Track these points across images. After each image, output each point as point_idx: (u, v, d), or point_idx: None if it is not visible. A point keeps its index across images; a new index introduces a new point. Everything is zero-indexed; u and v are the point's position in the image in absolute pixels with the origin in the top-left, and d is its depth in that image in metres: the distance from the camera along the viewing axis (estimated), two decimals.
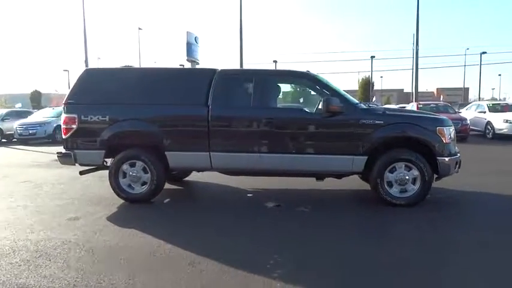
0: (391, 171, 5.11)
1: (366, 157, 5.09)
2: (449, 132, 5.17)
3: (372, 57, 43.24)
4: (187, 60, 32.31)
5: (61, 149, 5.62)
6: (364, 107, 5.45)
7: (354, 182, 6.22)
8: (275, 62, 42.52)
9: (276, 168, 5.34)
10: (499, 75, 74.74)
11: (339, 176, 5.70)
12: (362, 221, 4.69)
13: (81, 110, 5.49)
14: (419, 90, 28.99)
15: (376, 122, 5.08)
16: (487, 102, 17.91)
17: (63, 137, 5.62)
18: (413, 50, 25.79)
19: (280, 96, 6.03)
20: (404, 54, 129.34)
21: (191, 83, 5.50)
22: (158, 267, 3.33)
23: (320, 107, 5.11)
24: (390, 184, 5.12)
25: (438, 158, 5.04)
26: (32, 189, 6.54)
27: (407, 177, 5.07)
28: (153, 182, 5.36)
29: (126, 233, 4.22)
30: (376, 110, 5.46)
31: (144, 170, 5.41)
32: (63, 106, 5.65)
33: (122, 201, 5.51)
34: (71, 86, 5.70)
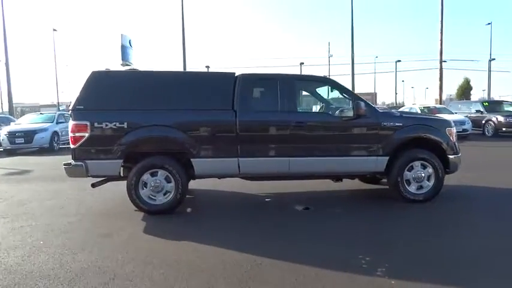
0: (409, 170, 5.49)
1: (388, 157, 5.40)
2: (455, 133, 5.72)
3: (301, 63, 45.16)
4: (122, 64, 30.91)
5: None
6: (382, 110, 5.79)
7: (353, 183, 6.62)
8: (207, 67, 42.31)
9: (304, 172, 5.40)
10: (402, 81, 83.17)
11: (353, 177, 6.00)
12: (400, 214, 4.97)
13: (94, 116, 5.01)
14: None
15: (396, 124, 5.43)
16: (419, 106, 19.86)
17: (72, 146, 5.07)
18: (352, 56, 27.43)
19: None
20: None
21: (213, 88, 5.33)
22: (262, 279, 3.19)
23: (344, 110, 5.34)
24: (408, 182, 5.49)
25: (449, 156, 5.55)
26: (17, 207, 5.76)
27: (423, 175, 5.48)
28: (178, 191, 5.09)
29: (188, 247, 3.93)
30: (393, 113, 5.81)
31: (167, 179, 5.11)
32: (70, 112, 5.09)
33: (138, 212, 5.14)
34: (79, 91, 5.16)
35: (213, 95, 5.25)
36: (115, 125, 5.00)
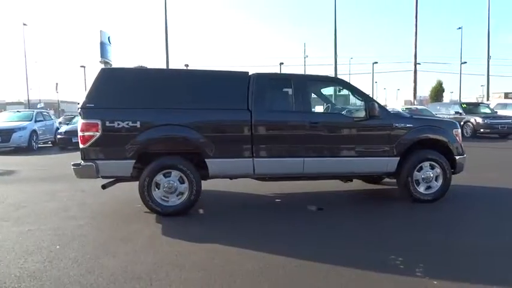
0: (418, 170, 5.59)
1: (398, 158, 5.48)
2: (460, 134, 5.87)
3: (281, 63, 45.27)
4: (101, 61, 29.91)
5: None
6: (392, 112, 5.87)
7: (358, 182, 6.69)
8: (186, 65, 41.69)
9: (318, 172, 5.40)
10: (376, 82, 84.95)
11: (362, 177, 6.07)
12: (413, 214, 5.06)
13: (105, 114, 4.83)
14: None
15: (407, 125, 5.52)
16: (401, 107, 20.37)
17: (81, 146, 4.86)
18: (335, 58, 27.71)
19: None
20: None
21: (227, 87, 5.24)
22: (306, 282, 3.14)
23: (357, 111, 5.39)
24: (417, 182, 5.59)
25: (455, 157, 5.69)
26: (16, 210, 5.47)
27: (431, 175, 5.59)
28: (192, 192, 4.97)
29: (215, 249, 3.83)
30: (403, 114, 5.90)
31: (180, 180, 4.98)
32: (79, 111, 4.88)
33: (147, 214, 4.99)
34: (88, 88, 4.95)
35: (227, 95, 5.17)
36: (127, 124, 4.84)
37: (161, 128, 4.92)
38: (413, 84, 30.48)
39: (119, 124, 4.82)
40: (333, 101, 6.14)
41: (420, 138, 5.55)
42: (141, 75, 5.33)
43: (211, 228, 4.58)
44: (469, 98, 51.38)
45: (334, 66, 26.99)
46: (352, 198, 6.20)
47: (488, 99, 23.89)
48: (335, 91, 5.97)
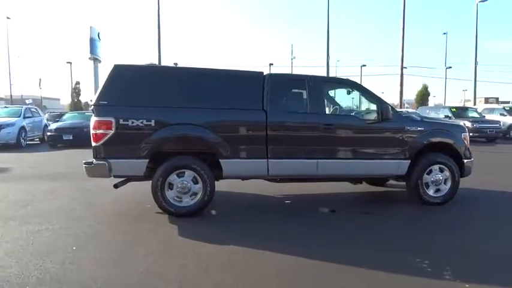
0: (428, 173, 5.64)
1: (409, 161, 5.52)
2: (468, 138, 5.95)
3: (271, 64, 45.38)
4: (90, 58, 29.37)
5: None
6: (404, 115, 5.91)
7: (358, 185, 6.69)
8: (175, 64, 41.32)
9: (332, 174, 5.39)
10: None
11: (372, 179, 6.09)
12: (424, 215, 5.07)
13: (119, 112, 4.71)
14: None
15: (419, 128, 5.56)
16: None
17: (94, 144, 4.73)
18: (327, 60, 27.80)
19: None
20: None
21: (243, 86, 5.19)
22: (337, 285, 3.12)
23: (371, 113, 5.40)
24: (427, 185, 5.64)
25: (464, 160, 5.76)
26: (20, 209, 5.30)
27: (441, 178, 5.65)
28: (206, 193, 4.90)
29: (237, 251, 3.78)
30: (415, 117, 5.95)
31: (194, 180, 4.90)
32: (92, 108, 4.76)
33: (158, 214, 4.89)
34: (101, 85, 4.82)
35: (243, 94, 5.11)
36: (142, 122, 4.73)
37: (176, 127, 4.83)
38: (399, 87, 30.94)
39: (133, 122, 4.71)
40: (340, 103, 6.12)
41: (432, 142, 5.60)
42: (154, 72, 5.23)
43: (226, 230, 4.51)
44: (450, 102, 52.43)
45: (326, 68, 27.16)
46: (362, 200, 6.22)
47: (475, 104, 24.43)
48: (347, 93, 5.92)
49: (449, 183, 5.66)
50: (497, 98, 50.37)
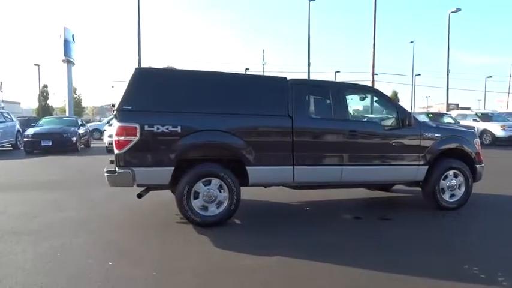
0: (444, 179, 5.73)
1: (427, 167, 5.59)
2: (479, 144, 6.11)
3: (246, 69, 45.37)
4: (64, 60, 28.05)
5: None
6: (422, 121, 5.98)
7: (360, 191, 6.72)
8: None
9: (355, 181, 5.37)
10: None
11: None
12: (444, 220, 5.14)
13: (144, 118, 4.49)
14: None
15: (436, 135, 5.65)
16: None
17: (117, 151, 4.47)
18: (308, 65, 27.89)
19: None
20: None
21: (268, 92, 5.07)
22: None
23: (392, 119, 5.45)
24: (443, 190, 5.73)
25: (476, 166, 5.91)
26: (28, 222, 4.92)
27: (455, 183, 5.76)
28: (233, 202, 4.74)
29: (276, 262, 3.64)
30: (431, 124, 6.04)
31: (220, 189, 4.74)
32: (115, 113, 4.50)
33: (183, 224, 4.71)
34: (124, 89, 4.57)
35: (269, 100, 5.00)
36: (167, 128, 4.53)
37: (204, 134, 4.66)
38: None
39: (158, 128, 4.50)
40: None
41: (449, 148, 5.70)
42: (178, 76, 5.01)
43: (258, 239, 4.34)
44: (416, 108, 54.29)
45: (307, 74, 27.42)
46: (377, 206, 6.20)
47: (447, 110, 25.44)
48: (361, 99, 5.94)
49: (463, 188, 5.77)
50: (457, 104, 52.58)
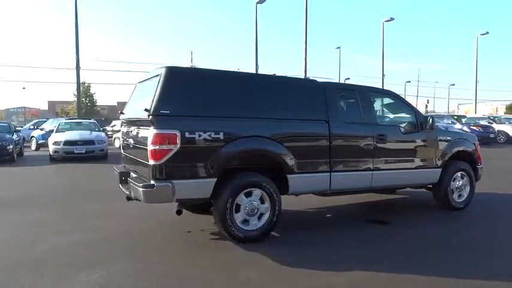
0: (453, 180, 5.96)
1: (441, 169, 5.77)
2: (479, 146, 6.47)
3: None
4: None
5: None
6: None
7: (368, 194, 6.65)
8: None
9: (383, 185, 5.33)
10: None
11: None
12: (468, 220, 5.32)
13: (184, 124, 3.96)
14: None
15: (447, 138, 5.86)
16: None
17: (153, 162, 3.86)
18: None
19: None
20: None
21: (306, 96, 4.80)
22: None
23: (412, 124, 5.53)
24: (452, 191, 5.95)
25: (477, 166, 6.25)
26: (30, 252, 4.08)
27: (462, 184, 6.03)
28: (275, 213, 4.40)
29: (320, 277, 3.42)
30: (441, 128, 6.23)
31: (261, 199, 4.37)
32: (150, 118, 3.88)
33: (221, 241, 4.30)
34: (157, 91, 3.97)
35: (307, 104, 4.75)
36: (210, 135, 4.05)
37: (248, 141, 4.25)
38: None
39: (200, 135, 4.00)
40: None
41: (458, 150, 5.93)
42: (215, 76, 4.49)
43: (309, 253, 4.04)
44: None
45: None
46: (395, 209, 6.23)
47: None
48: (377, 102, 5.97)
49: (468, 189, 6.07)
50: None
